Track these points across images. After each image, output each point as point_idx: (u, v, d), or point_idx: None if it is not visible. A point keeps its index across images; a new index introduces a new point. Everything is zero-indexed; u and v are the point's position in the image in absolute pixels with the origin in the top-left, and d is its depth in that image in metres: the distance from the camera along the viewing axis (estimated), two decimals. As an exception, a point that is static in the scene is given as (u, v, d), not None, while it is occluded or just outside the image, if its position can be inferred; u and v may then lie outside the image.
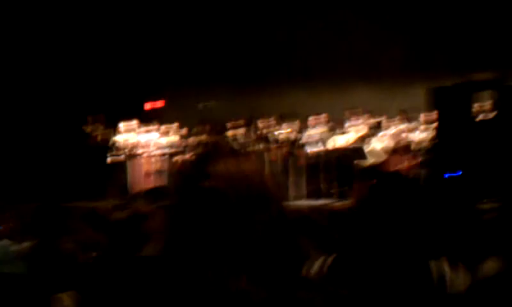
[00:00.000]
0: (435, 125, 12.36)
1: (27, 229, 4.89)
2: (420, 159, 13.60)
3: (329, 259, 2.59)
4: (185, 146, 15.41)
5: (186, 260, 1.46)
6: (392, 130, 14.18)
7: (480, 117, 12.80)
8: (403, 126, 14.27)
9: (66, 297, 3.93)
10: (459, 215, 3.42)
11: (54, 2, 15.18)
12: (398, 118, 14.54)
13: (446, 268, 2.54)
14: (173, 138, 15.43)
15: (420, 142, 13.73)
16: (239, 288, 1.40)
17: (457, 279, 2.55)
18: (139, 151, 15.07)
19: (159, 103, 17.67)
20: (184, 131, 15.56)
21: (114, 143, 15.04)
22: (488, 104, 12.82)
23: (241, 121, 15.67)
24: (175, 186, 1.41)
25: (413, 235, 2.45)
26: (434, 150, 12.29)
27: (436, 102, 12.27)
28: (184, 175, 1.32)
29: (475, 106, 12.72)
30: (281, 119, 15.28)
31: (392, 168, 13.85)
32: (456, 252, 2.95)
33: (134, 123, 15.15)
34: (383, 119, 14.44)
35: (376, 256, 2.44)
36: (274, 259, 1.45)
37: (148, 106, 17.49)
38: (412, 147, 13.94)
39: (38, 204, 5.29)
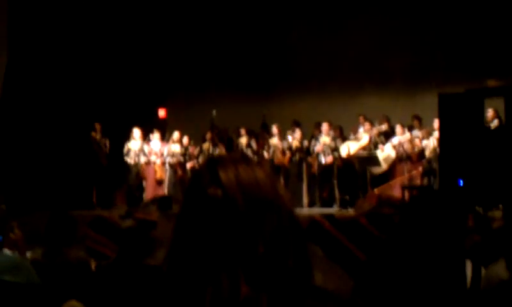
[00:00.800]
0: (447, 131, 12.30)
1: (32, 238, 4.89)
2: (432, 166, 13.56)
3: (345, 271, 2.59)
4: (196, 154, 15.43)
5: (191, 268, 1.44)
6: (405, 136, 14.12)
7: (494, 124, 12.76)
8: (416, 132, 14.22)
9: (77, 304, 3.91)
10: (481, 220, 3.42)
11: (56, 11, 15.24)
12: (411, 124, 14.50)
13: (481, 269, 2.56)
14: (183, 146, 15.46)
15: (432, 149, 13.67)
16: (243, 297, 1.38)
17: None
18: (150, 159, 15.09)
19: (165, 112, 17.67)
20: (187, 140, 15.57)
21: (123, 151, 15.08)
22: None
23: (254, 128, 15.70)
24: (183, 192, 1.40)
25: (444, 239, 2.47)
26: (446, 157, 12.23)
27: (448, 108, 12.21)
28: (193, 181, 1.30)
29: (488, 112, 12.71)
30: (294, 125, 15.29)
31: (404, 175, 13.83)
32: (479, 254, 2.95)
33: (138, 131, 15.18)
34: (397, 125, 14.38)
35: (406, 263, 2.44)
36: (283, 267, 1.42)
37: (158, 113, 17.51)
38: (425, 154, 13.89)
39: (47, 213, 5.29)
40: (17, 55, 14.63)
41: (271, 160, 14.55)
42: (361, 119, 14.76)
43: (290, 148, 14.75)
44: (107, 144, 15.37)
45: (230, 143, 15.66)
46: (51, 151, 14.94)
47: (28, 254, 4.83)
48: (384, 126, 14.56)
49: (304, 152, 14.74)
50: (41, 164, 14.71)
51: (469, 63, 15.23)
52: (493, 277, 2.83)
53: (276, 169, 14.07)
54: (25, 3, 14.75)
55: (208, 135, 15.30)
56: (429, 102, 13.54)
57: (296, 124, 15.34)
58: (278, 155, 14.69)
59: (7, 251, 3.58)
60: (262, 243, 1.41)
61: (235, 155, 1.56)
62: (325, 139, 14.50)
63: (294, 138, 14.76)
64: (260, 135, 15.60)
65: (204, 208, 1.45)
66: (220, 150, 14.97)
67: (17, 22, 14.64)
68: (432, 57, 15.99)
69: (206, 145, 15.34)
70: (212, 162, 1.52)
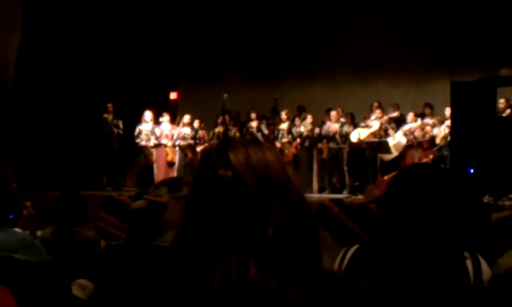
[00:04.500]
0: (459, 120, 12.24)
1: (45, 217, 4.92)
2: (443, 154, 13.51)
3: (351, 251, 2.53)
4: (207, 138, 15.43)
5: (200, 248, 1.45)
6: (416, 123, 14.07)
7: (505, 113, 12.69)
8: (427, 120, 14.16)
9: (86, 283, 3.95)
10: (478, 210, 3.35)
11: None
12: (422, 112, 14.44)
13: (482, 261, 2.44)
14: (193, 129, 15.47)
15: (443, 136, 13.61)
16: (251, 277, 1.39)
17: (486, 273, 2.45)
18: (160, 141, 15.13)
19: (176, 95, 17.72)
20: (198, 123, 15.57)
21: (134, 132, 15.12)
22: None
23: (264, 113, 15.68)
24: (193, 173, 1.39)
25: (443, 227, 2.35)
26: (457, 145, 12.18)
27: (460, 96, 12.16)
28: (203, 162, 1.30)
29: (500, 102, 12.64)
30: (300, 111, 15.27)
31: (414, 162, 13.77)
32: (476, 246, 2.87)
33: (150, 113, 15.21)
34: (409, 113, 14.34)
35: (404, 249, 2.35)
36: (292, 248, 1.43)
37: (169, 96, 17.57)
38: (436, 141, 13.84)
39: (57, 192, 5.31)
40: (31, 35, 14.65)
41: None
42: (374, 105, 14.68)
43: (300, 135, 14.69)
44: (120, 125, 15.39)
45: (242, 127, 15.65)
46: (63, 131, 14.98)
47: (38, 233, 4.87)
48: (395, 113, 14.52)
49: (314, 138, 14.68)
50: (53, 144, 14.77)
51: (482, 52, 15.14)
52: (501, 269, 2.74)
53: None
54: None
55: (220, 119, 15.26)
56: (441, 89, 13.48)
57: (302, 110, 15.33)
58: (286, 151, 14.58)
59: (17, 230, 3.61)
60: (271, 224, 1.42)
61: (246, 138, 1.56)
62: (335, 124, 14.46)
63: (303, 125, 14.71)
64: (271, 119, 15.59)
65: (214, 189, 1.46)
66: (233, 133, 14.94)
67: (31, 2, 14.65)
68: (445, 45, 15.90)
69: (218, 129, 15.32)
70: (222, 143, 1.53)
